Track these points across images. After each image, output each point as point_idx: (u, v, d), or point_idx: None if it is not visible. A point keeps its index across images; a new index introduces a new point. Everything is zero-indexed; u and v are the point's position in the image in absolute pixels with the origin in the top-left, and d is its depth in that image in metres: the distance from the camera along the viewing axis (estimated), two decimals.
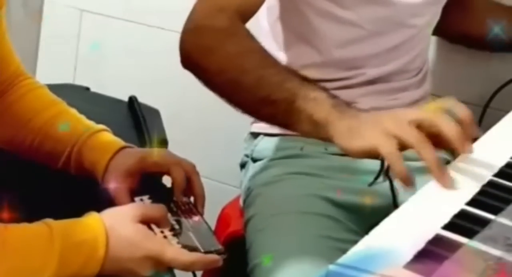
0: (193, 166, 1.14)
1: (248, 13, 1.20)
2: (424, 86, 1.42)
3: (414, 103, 1.38)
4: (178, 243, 1.00)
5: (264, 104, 1.08)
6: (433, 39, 1.61)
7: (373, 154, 0.96)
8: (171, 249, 0.96)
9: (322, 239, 1.16)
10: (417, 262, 0.74)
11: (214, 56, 1.13)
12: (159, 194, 1.11)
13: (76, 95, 1.42)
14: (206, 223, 1.08)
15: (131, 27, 1.93)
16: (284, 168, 1.29)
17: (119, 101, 1.43)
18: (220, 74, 1.12)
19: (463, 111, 0.97)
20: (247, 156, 1.40)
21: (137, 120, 1.38)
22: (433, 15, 1.40)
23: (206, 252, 1.00)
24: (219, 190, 1.83)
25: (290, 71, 1.10)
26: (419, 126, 0.94)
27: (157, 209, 1.01)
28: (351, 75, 1.33)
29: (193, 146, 1.83)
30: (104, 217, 0.96)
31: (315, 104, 1.03)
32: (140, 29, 1.92)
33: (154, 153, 1.15)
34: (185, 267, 0.96)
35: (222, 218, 1.46)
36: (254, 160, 1.37)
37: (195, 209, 1.10)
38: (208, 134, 1.87)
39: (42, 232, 0.92)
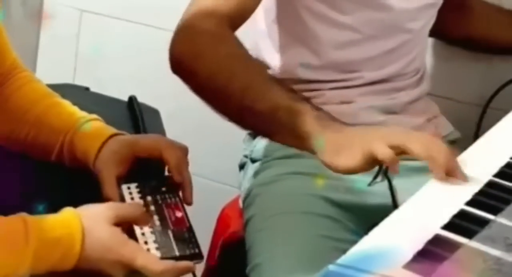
0: (185, 152, 1.13)
1: (238, 20, 1.19)
2: (422, 86, 1.42)
3: (412, 102, 1.38)
4: (155, 242, 1.00)
5: (247, 113, 1.08)
6: (434, 39, 1.61)
7: (365, 166, 0.97)
8: (142, 256, 0.95)
9: (322, 239, 1.16)
10: (416, 262, 0.74)
11: (203, 60, 1.13)
12: (148, 183, 1.09)
13: (76, 95, 1.42)
14: (188, 221, 1.06)
15: (131, 27, 1.93)
16: (283, 168, 1.29)
17: (119, 101, 1.43)
18: (208, 79, 1.12)
19: (443, 153, 0.95)
20: (246, 156, 1.40)
21: (136, 120, 1.38)
22: (429, 19, 1.40)
23: (181, 256, 0.99)
24: (219, 190, 1.83)
25: (275, 81, 1.10)
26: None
27: (133, 209, 1.01)
28: (349, 78, 1.33)
29: (193, 146, 1.82)
30: (81, 215, 0.95)
31: (298, 116, 1.02)
32: (140, 29, 1.92)
33: (146, 137, 1.14)
34: (155, 276, 0.95)
35: (222, 219, 1.46)
36: (253, 161, 1.37)
37: (181, 204, 1.08)
38: (208, 134, 1.87)
39: (17, 227, 0.92)
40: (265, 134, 1.10)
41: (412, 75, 1.40)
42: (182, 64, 1.15)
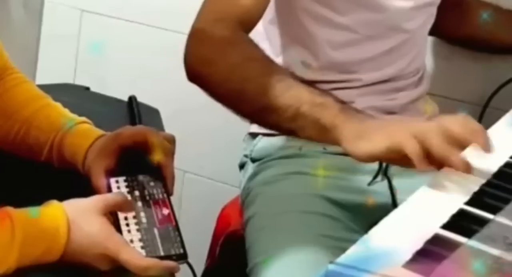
0: (170, 139, 1.12)
1: (249, 22, 1.20)
2: (422, 86, 1.42)
3: (412, 102, 1.38)
4: (140, 240, 0.99)
5: (269, 111, 1.08)
6: (433, 38, 1.61)
7: (389, 155, 0.96)
8: (127, 251, 0.95)
9: (322, 238, 1.16)
10: (416, 261, 0.74)
11: (215, 66, 1.13)
12: (137, 177, 1.09)
13: (76, 94, 1.42)
14: (175, 219, 1.04)
15: (131, 27, 1.93)
16: (283, 167, 1.29)
17: (119, 101, 1.43)
18: (222, 84, 1.13)
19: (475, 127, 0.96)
20: (246, 156, 1.41)
21: (136, 119, 1.38)
22: (427, 18, 1.40)
23: (166, 256, 0.99)
24: (219, 190, 1.83)
25: (294, 77, 1.10)
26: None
27: (117, 197, 1.00)
28: (347, 79, 1.34)
29: (193, 146, 1.83)
30: (67, 208, 0.95)
31: (322, 109, 1.03)
32: (140, 29, 1.92)
33: (129, 128, 1.13)
34: (139, 271, 0.95)
35: (222, 218, 1.46)
36: (253, 160, 1.37)
37: (168, 200, 1.07)
38: (208, 134, 1.87)
39: (2, 221, 0.91)
40: (288, 131, 1.10)
41: (412, 75, 1.40)
42: (195, 72, 1.16)
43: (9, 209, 0.93)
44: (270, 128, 1.17)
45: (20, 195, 0.98)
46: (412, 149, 0.93)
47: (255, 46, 1.15)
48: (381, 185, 1.26)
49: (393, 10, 1.31)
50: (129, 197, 1.06)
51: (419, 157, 0.93)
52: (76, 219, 0.94)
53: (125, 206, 1.00)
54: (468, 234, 0.80)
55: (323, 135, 1.04)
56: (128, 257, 0.94)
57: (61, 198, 0.98)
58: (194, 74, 1.16)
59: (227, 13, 1.17)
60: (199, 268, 1.28)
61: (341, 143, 1.01)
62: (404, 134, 0.95)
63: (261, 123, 1.16)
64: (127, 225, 1.01)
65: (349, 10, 1.29)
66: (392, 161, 1.00)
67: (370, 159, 0.99)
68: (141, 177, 1.09)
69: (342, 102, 1.05)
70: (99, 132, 1.13)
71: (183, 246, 1.01)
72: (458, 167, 0.92)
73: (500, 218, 0.85)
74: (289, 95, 1.06)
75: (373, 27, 1.31)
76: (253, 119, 1.14)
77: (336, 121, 1.02)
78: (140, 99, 1.42)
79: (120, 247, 0.95)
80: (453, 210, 0.85)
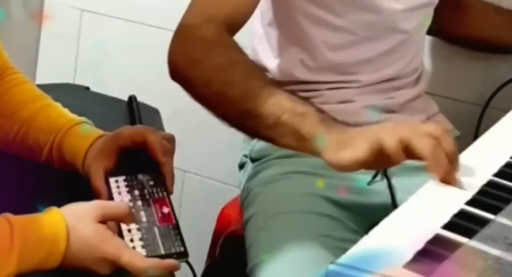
0: (169, 139, 1.12)
1: (235, 24, 1.19)
2: (420, 84, 1.42)
3: (411, 101, 1.38)
4: (141, 239, 1.00)
5: (249, 117, 1.07)
6: (433, 39, 1.61)
7: (372, 157, 0.95)
8: (127, 253, 0.95)
9: (322, 238, 1.16)
10: (416, 261, 0.74)
11: (199, 67, 1.12)
12: (136, 177, 1.09)
13: (76, 94, 1.42)
14: (175, 217, 1.05)
15: (131, 27, 1.93)
16: (283, 167, 1.29)
17: (119, 101, 1.43)
18: (205, 86, 1.12)
19: (449, 144, 0.94)
20: (245, 156, 1.40)
21: (136, 119, 1.38)
22: (424, 19, 1.40)
23: (166, 254, 0.99)
24: (219, 190, 1.83)
25: (276, 85, 1.09)
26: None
27: (119, 208, 1.00)
28: (346, 80, 1.33)
29: (193, 146, 1.83)
30: (65, 213, 0.95)
31: (303, 119, 1.03)
32: (140, 28, 1.92)
33: (128, 128, 1.13)
34: (140, 273, 0.95)
35: (222, 218, 1.46)
36: (253, 160, 1.37)
37: (168, 199, 1.07)
38: (208, 134, 1.87)
39: (1, 227, 0.91)
40: (267, 138, 1.09)
41: (411, 75, 1.40)
42: (179, 71, 1.16)
43: (8, 215, 0.93)
44: (249, 134, 1.16)
45: (20, 197, 0.98)
46: (390, 145, 0.93)
47: (239, 50, 1.14)
48: (381, 185, 1.26)
49: (389, 11, 1.31)
50: (129, 196, 1.06)
51: (398, 152, 0.93)
52: (75, 224, 0.94)
53: (126, 217, 1.00)
54: (469, 234, 0.80)
55: (302, 145, 1.03)
56: (129, 260, 0.94)
57: (62, 199, 0.98)
58: (177, 73, 1.16)
59: (216, 14, 1.17)
60: (199, 268, 1.28)
61: (321, 154, 1.00)
62: (383, 133, 0.95)
63: (240, 128, 1.14)
64: (127, 224, 1.01)
65: (346, 12, 1.29)
66: (377, 165, 0.99)
67: (355, 166, 0.97)
68: (140, 176, 1.09)
69: (322, 112, 1.04)
70: (99, 132, 1.13)
71: (183, 245, 1.01)
72: (440, 163, 0.91)
73: (500, 218, 0.85)
74: (270, 103, 1.05)
75: (370, 28, 1.31)
76: (233, 124, 1.12)
77: (316, 132, 1.01)
78: (140, 99, 1.42)
79: (121, 250, 0.95)
80: (454, 210, 0.85)
